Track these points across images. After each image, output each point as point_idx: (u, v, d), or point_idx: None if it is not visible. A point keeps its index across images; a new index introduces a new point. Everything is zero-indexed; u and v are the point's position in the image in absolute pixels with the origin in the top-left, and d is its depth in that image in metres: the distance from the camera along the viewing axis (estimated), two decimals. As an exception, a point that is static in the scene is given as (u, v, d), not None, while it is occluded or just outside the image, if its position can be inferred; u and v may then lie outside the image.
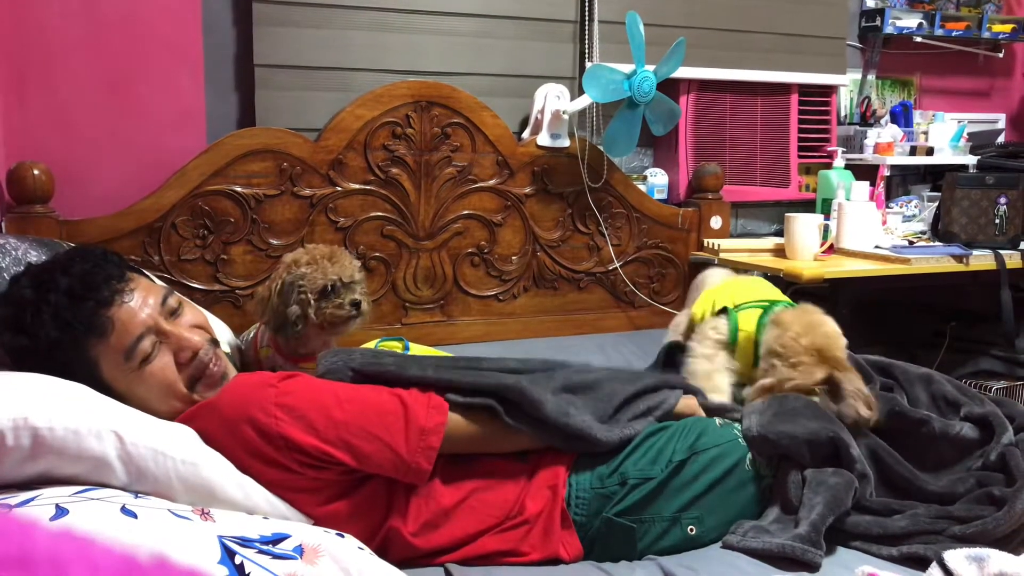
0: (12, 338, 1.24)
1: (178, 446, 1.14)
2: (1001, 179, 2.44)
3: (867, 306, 2.84)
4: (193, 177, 2.10)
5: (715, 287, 1.90)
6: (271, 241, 2.19)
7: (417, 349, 2.15)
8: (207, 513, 1.08)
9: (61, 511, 0.98)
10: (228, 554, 0.99)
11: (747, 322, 1.67)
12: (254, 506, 1.17)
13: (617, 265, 2.52)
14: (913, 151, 2.80)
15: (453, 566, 1.24)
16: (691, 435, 1.37)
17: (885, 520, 1.29)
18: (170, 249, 2.10)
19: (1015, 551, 1.25)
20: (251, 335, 1.78)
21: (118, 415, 1.13)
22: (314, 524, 1.22)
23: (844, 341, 1.56)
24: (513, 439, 1.33)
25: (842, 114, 2.97)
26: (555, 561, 1.26)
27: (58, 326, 1.22)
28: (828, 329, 1.55)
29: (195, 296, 2.12)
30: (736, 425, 1.42)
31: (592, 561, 1.28)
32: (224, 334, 1.73)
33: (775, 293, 1.79)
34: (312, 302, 1.54)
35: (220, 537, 1.02)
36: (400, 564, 1.25)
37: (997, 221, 2.44)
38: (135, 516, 1.00)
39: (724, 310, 1.73)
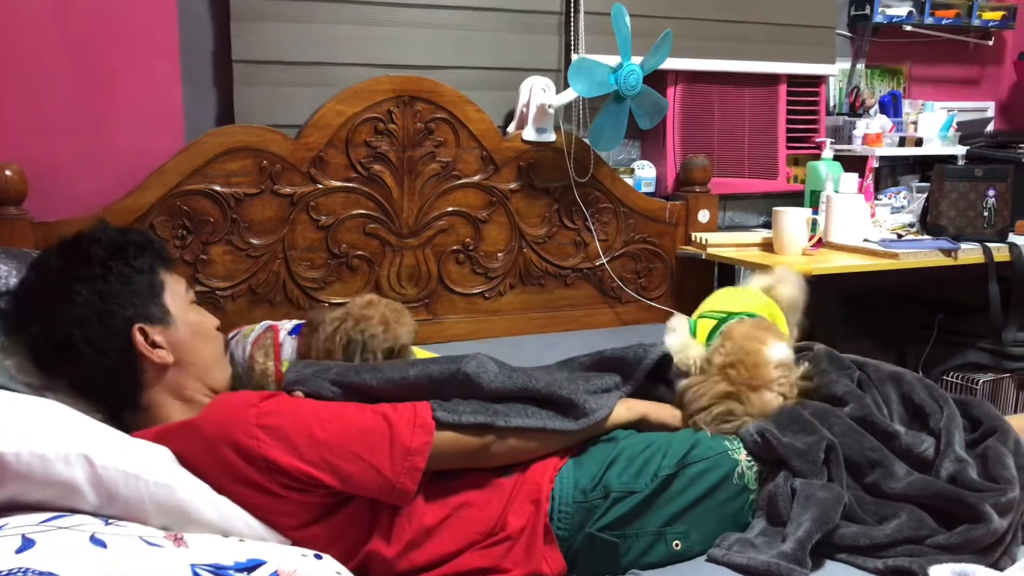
0: (105, 235, 1.35)
1: (151, 467, 1.11)
2: (990, 171, 2.42)
3: (855, 299, 2.83)
4: (171, 177, 2.06)
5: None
6: (251, 241, 2.15)
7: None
8: (180, 539, 1.05)
9: (27, 542, 0.95)
10: (201, 584, 0.97)
11: (702, 331, 1.66)
12: (230, 527, 1.15)
13: (604, 260, 2.49)
14: (902, 142, 2.78)
15: (434, 585, 1.23)
16: (682, 447, 1.35)
17: (871, 530, 1.27)
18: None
19: (999, 563, 1.25)
20: (250, 339, 1.70)
21: (88, 437, 1.11)
22: (293, 545, 1.20)
23: (774, 361, 1.49)
24: (500, 454, 1.30)
25: (831, 104, 2.94)
26: (537, 577, 1.25)
27: (143, 242, 1.39)
28: (754, 348, 1.50)
29: (175, 297, 2.09)
30: (729, 437, 1.40)
31: (574, 576, 1.26)
32: None
33: (758, 303, 1.76)
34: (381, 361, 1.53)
35: (193, 566, 0.99)
36: (380, 582, 1.24)
37: (986, 214, 2.43)
38: (104, 546, 0.98)
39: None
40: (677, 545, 1.29)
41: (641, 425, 1.42)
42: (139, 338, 1.30)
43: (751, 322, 1.60)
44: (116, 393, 1.29)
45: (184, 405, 1.32)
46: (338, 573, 1.09)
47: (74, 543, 0.97)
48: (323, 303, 2.20)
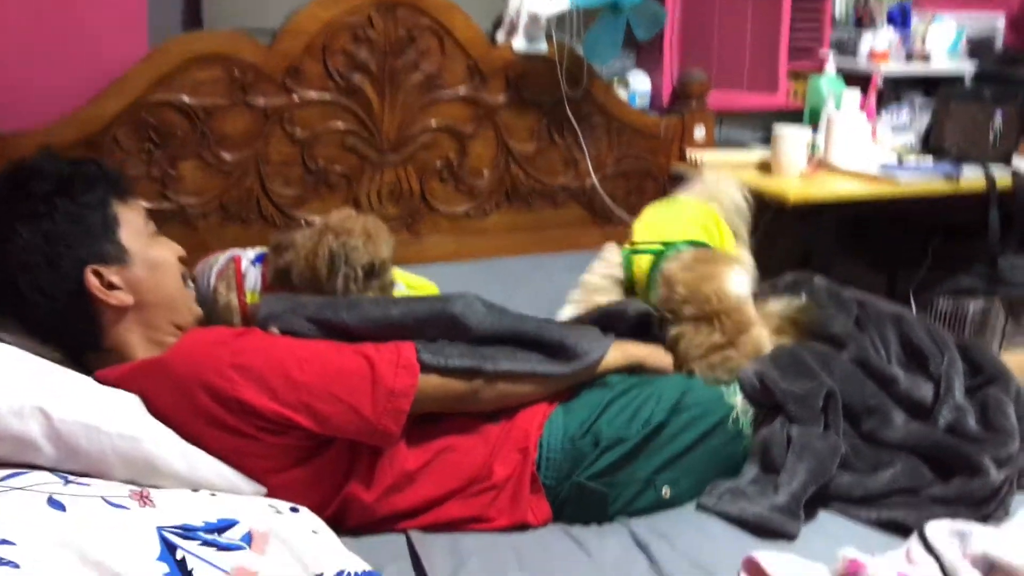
0: (50, 166, 1.23)
1: (114, 418, 1.04)
2: (999, 92, 2.32)
3: (848, 220, 2.75)
4: (135, 86, 1.92)
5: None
6: (222, 155, 2.03)
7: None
8: (146, 496, 0.99)
9: (-20, 505, 0.89)
10: (168, 548, 0.92)
11: (639, 268, 1.57)
12: (201, 479, 1.09)
13: (594, 179, 2.39)
14: (909, 58, 2.65)
15: (415, 533, 1.18)
16: (675, 392, 1.29)
17: (866, 479, 1.24)
18: (112, 164, 1.92)
19: (994, 515, 1.22)
20: (214, 271, 1.61)
21: (43, 387, 1.03)
22: (268, 493, 1.15)
23: (736, 293, 1.43)
24: (488, 399, 1.24)
25: (837, 16, 2.78)
26: (522, 527, 1.21)
27: (93, 173, 1.25)
28: (715, 288, 1.42)
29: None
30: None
31: (561, 524, 1.22)
32: None
33: (694, 221, 1.66)
34: (359, 280, 1.43)
35: (160, 529, 0.94)
36: (358, 528, 1.20)
37: (991, 136, 2.33)
38: (63, 509, 0.92)
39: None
40: (667, 492, 1.25)
41: (636, 371, 1.36)
42: (93, 281, 1.19)
43: (691, 258, 1.49)
44: (72, 338, 1.20)
45: (150, 344, 1.24)
46: (315, 532, 1.04)
47: (30, 506, 0.91)
48: (299, 221, 2.11)
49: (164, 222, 1.99)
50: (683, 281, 1.42)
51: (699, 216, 1.67)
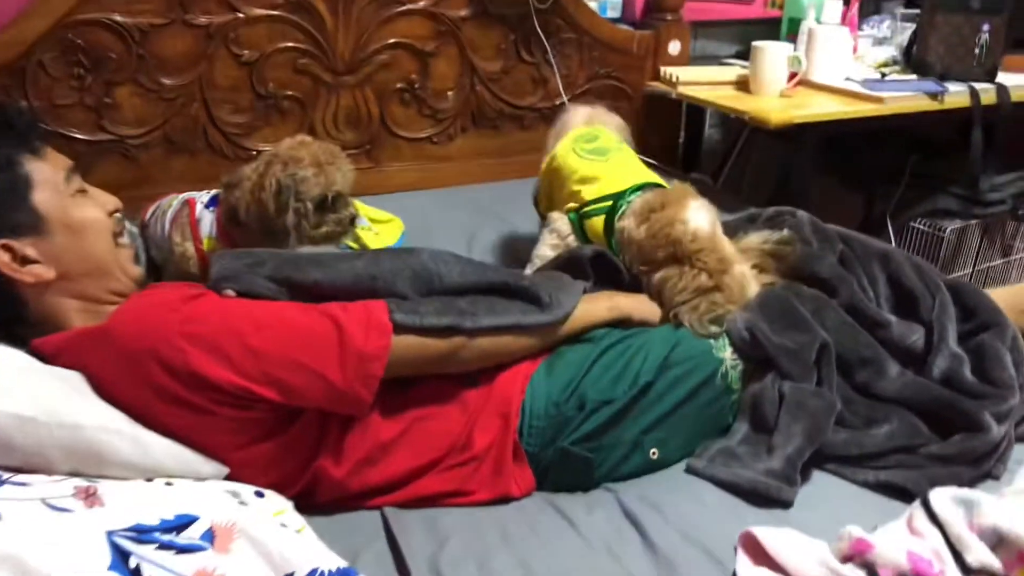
0: None
1: (52, 405, 0.93)
2: (987, 4, 2.20)
3: (824, 137, 2.66)
4: (60, 3, 1.73)
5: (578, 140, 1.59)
6: (163, 80, 1.86)
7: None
8: (92, 494, 0.90)
9: (-97, 517, 0.79)
10: (121, 556, 0.83)
11: (594, 232, 1.44)
12: (155, 464, 0.99)
13: (565, 99, 2.25)
14: (893, -36, 2.51)
15: (391, 510, 1.11)
16: (663, 347, 1.21)
17: (862, 437, 1.19)
18: (39, 93, 1.76)
19: (993, 471, 1.19)
20: (168, 217, 1.48)
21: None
22: (230, 472, 1.06)
23: (704, 230, 1.31)
24: (469, 359, 1.15)
25: (819, -83, 2.62)
26: (505, 499, 1.14)
27: (3, 123, 1.09)
28: (681, 232, 1.30)
29: (77, 147, 1.83)
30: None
31: (544, 493, 1.16)
32: None
33: (614, 143, 1.55)
34: (311, 214, 1.30)
35: (110, 534, 0.85)
36: (330, 504, 1.12)
37: (977, 51, 2.23)
38: (-1, 516, 0.82)
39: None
40: (655, 454, 1.19)
41: (623, 324, 1.27)
42: (3, 257, 1.05)
43: (642, 207, 1.35)
44: None
45: (87, 315, 1.11)
46: (283, 525, 0.96)
47: (-39, 515, 0.81)
48: (250, 151, 1.96)
49: (102, 155, 1.85)
50: (644, 236, 1.32)
51: (611, 139, 1.56)
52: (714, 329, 1.25)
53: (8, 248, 1.05)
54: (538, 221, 1.67)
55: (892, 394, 1.22)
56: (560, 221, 1.48)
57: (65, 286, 1.09)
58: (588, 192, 1.45)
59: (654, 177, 1.47)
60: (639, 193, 1.40)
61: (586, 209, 1.44)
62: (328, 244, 1.39)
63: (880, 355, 1.26)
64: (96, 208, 1.15)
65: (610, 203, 1.40)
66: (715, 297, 1.28)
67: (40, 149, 1.11)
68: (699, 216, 1.33)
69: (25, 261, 1.06)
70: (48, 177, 1.09)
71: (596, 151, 1.52)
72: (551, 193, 1.60)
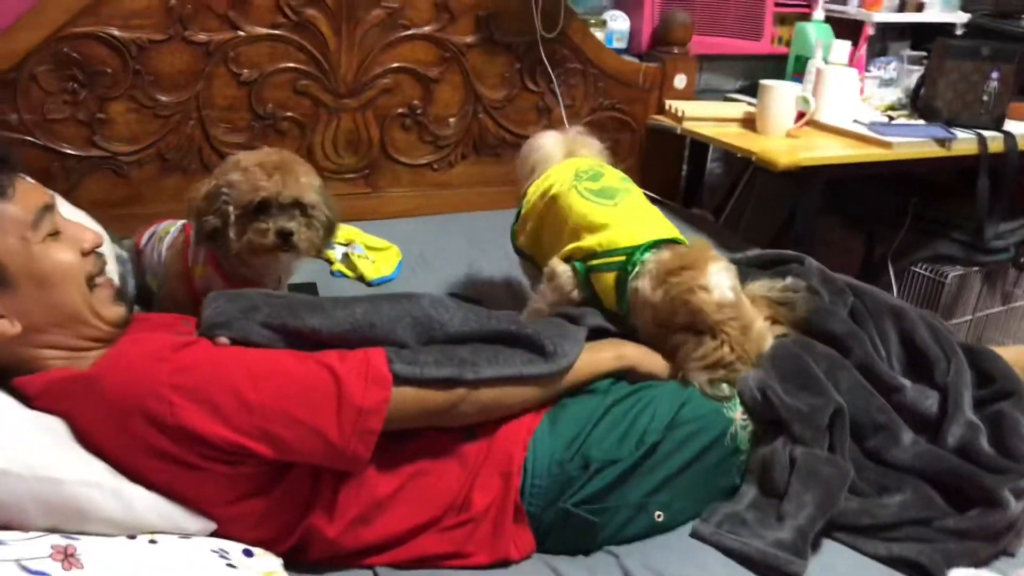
0: None
1: (29, 459, 0.88)
2: (997, 51, 2.19)
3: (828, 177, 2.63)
4: (55, 15, 1.68)
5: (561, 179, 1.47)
6: (158, 97, 1.81)
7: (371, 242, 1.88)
8: (71, 555, 0.84)
9: None
10: (99, 629, 0.77)
11: (605, 288, 1.34)
12: (138, 521, 0.94)
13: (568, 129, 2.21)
14: (902, 6, 2.50)
15: (384, 570, 1.06)
16: (671, 405, 1.17)
17: (873, 507, 1.15)
18: (31, 106, 1.71)
19: (1010, 545, 1.15)
20: (165, 241, 1.42)
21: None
22: (218, 527, 1.00)
23: (728, 299, 1.23)
24: (470, 413, 1.10)
25: (829, -44, 2.61)
26: (504, 563, 1.09)
27: None
28: (702, 300, 1.22)
29: (68, 163, 1.77)
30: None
31: (544, 556, 1.11)
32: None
33: (617, 179, 1.45)
34: (233, 219, 1.24)
35: (88, 602, 0.79)
36: (321, 563, 1.07)
37: (985, 98, 2.22)
38: (-31, 583, 0.77)
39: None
40: (659, 516, 1.14)
41: (629, 375, 1.23)
42: None
43: (659, 269, 1.26)
44: None
45: (63, 360, 1.05)
46: (274, 590, 0.91)
47: (-72, 580, 0.76)
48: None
49: (92, 171, 1.80)
50: (660, 300, 1.24)
51: (615, 176, 1.46)
52: (727, 393, 1.20)
53: None
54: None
55: (906, 463, 1.18)
56: (564, 275, 1.37)
57: (33, 338, 1.01)
58: (595, 241, 1.35)
59: (667, 226, 1.39)
60: (654, 250, 1.31)
61: (595, 262, 1.34)
62: (257, 255, 1.27)
63: (894, 421, 1.22)
64: (69, 251, 1.04)
65: (622, 258, 1.31)
66: (734, 366, 1.23)
67: (7, 190, 0.99)
68: (721, 281, 1.24)
69: None
70: (13, 224, 0.99)
71: (602, 193, 1.41)
72: (539, 233, 1.49)
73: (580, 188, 1.43)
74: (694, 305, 1.21)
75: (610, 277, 1.31)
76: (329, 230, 1.33)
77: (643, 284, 1.26)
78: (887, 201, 2.60)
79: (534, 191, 1.51)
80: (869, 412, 1.22)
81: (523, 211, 1.53)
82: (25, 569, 0.80)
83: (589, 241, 1.36)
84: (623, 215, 1.38)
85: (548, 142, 1.59)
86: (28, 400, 1.00)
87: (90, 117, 1.76)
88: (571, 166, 1.50)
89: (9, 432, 0.90)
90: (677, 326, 1.23)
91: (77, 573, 0.83)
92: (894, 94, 2.44)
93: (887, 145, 2.04)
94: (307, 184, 1.27)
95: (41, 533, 0.88)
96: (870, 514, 1.14)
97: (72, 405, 0.98)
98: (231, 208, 1.23)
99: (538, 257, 1.51)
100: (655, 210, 1.44)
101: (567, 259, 1.41)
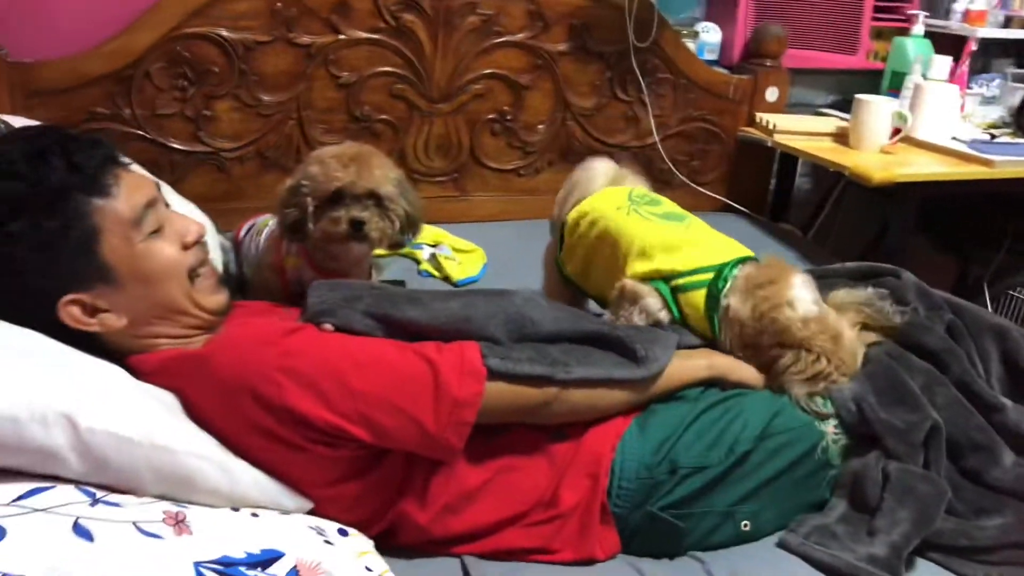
0: (4, 184, 0.98)
1: (148, 428, 0.92)
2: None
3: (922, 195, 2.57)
4: (169, 16, 1.76)
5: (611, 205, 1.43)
6: (261, 96, 1.88)
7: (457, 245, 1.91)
8: (182, 521, 0.88)
9: (-4, 532, 0.78)
10: (207, 591, 0.81)
11: (693, 308, 1.29)
12: (242, 495, 0.98)
13: (656, 139, 2.22)
14: (1008, 22, 2.42)
15: (471, 559, 1.07)
16: (763, 415, 1.16)
17: (970, 528, 1.12)
18: (143, 102, 1.79)
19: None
20: (263, 234, 1.46)
21: (71, 389, 0.91)
22: (314, 507, 1.03)
23: (814, 311, 1.23)
24: (560, 413, 1.11)
25: (930, -30, 2.55)
26: (589, 561, 1.09)
27: (62, 183, 0.99)
28: (786, 317, 1.22)
29: (174, 157, 1.85)
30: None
31: (629, 557, 1.11)
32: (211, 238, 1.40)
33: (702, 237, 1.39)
34: (311, 209, 1.27)
35: (197, 565, 0.83)
36: (410, 548, 1.09)
37: (1094, 118, 2.14)
38: (90, 538, 0.81)
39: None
40: (746, 526, 1.13)
41: (719, 383, 1.22)
42: (70, 314, 1.01)
43: (747, 284, 1.25)
44: (76, 346, 1.02)
45: (171, 344, 1.10)
46: (368, 569, 0.93)
47: (53, 534, 0.80)
48: (341, 172, 1.96)
49: (196, 165, 1.88)
50: (748, 314, 1.23)
51: (673, 203, 1.44)
52: (826, 411, 1.18)
53: (78, 302, 1.02)
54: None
55: (1007, 485, 1.14)
56: (649, 297, 1.31)
57: (140, 329, 1.06)
58: (671, 261, 1.31)
59: (743, 247, 1.36)
60: (741, 266, 1.29)
61: (681, 281, 1.30)
62: (332, 244, 1.28)
63: (994, 441, 1.18)
64: (171, 246, 1.08)
65: (712, 275, 1.28)
66: (832, 377, 1.21)
67: (111, 188, 1.03)
68: (804, 295, 1.23)
69: (96, 311, 1.03)
70: (117, 224, 1.02)
71: (670, 216, 1.39)
72: (591, 257, 1.44)
73: (641, 211, 1.39)
74: (780, 324, 1.20)
75: (700, 295, 1.28)
76: (409, 224, 1.33)
77: (734, 301, 1.24)
78: (983, 222, 2.52)
79: (576, 218, 1.47)
80: (967, 431, 1.19)
81: (568, 240, 1.48)
82: (141, 531, 0.84)
83: (669, 261, 1.32)
84: (698, 236, 1.35)
85: (595, 171, 1.55)
86: (141, 376, 1.04)
87: (196, 114, 1.84)
88: (617, 193, 1.46)
89: (130, 403, 0.94)
90: (765, 347, 1.22)
91: (187, 538, 0.86)
92: (996, 112, 2.36)
93: (988, 163, 1.98)
94: (382, 176, 1.27)
95: (152, 499, 0.92)
96: (967, 535, 1.11)
97: (184, 382, 1.03)
98: (309, 199, 1.26)
99: (588, 286, 1.48)
100: (720, 234, 1.40)
101: (643, 281, 1.35)
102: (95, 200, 1.01)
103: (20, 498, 0.83)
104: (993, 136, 2.19)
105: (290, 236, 1.31)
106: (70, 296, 1.01)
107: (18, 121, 1.40)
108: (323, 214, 1.26)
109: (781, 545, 1.12)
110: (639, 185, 1.54)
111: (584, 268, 1.47)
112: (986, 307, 2.34)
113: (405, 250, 1.85)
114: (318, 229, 1.26)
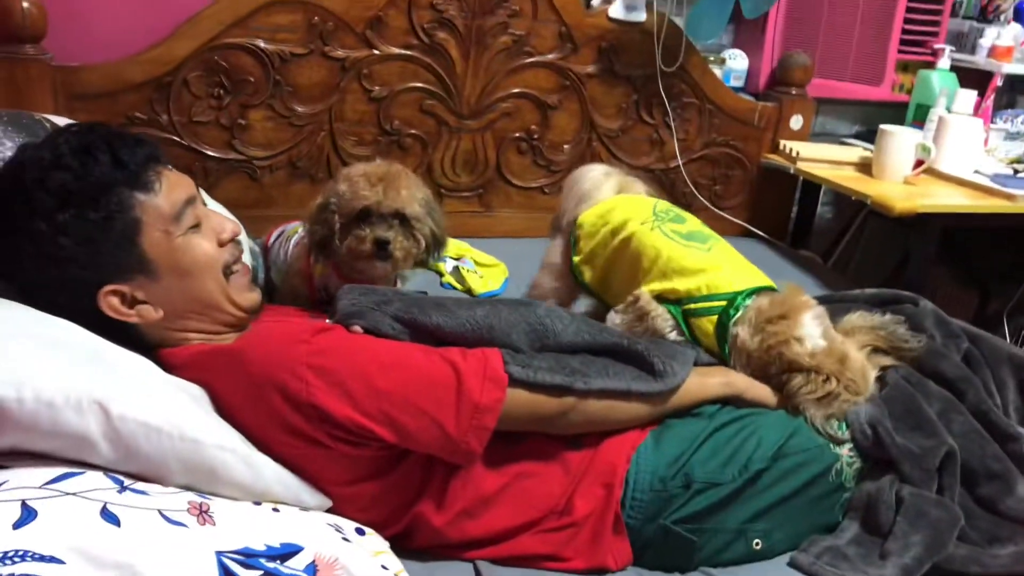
0: (53, 175, 1.02)
1: (177, 419, 0.95)
2: None
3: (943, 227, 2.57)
4: (208, 26, 1.81)
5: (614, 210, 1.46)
6: (295, 107, 1.92)
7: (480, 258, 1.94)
8: (205, 511, 0.91)
9: (28, 513, 0.81)
10: (228, 579, 0.83)
11: (704, 333, 1.31)
12: (264, 489, 1.00)
13: (680, 162, 2.24)
14: (1033, 59, 2.44)
15: (484, 564, 1.09)
16: (778, 434, 1.17)
17: (982, 555, 1.12)
18: (181, 108, 1.84)
19: None
20: (292, 241, 1.50)
21: (104, 377, 0.94)
22: (333, 505, 1.06)
23: (822, 344, 1.23)
24: (577, 422, 1.13)
25: (958, 5, 2.57)
26: (600, 571, 1.11)
27: (107, 176, 1.04)
28: (795, 352, 1.23)
29: (207, 163, 1.89)
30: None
31: (640, 569, 1.12)
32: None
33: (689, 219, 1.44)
34: (338, 227, 1.30)
35: (219, 554, 0.85)
36: (425, 550, 1.11)
37: (1118, 156, 2.14)
38: (117, 524, 0.83)
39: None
40: (758, 544, 1.14)
41: (735, 401, 1.23)
42: (112, 302, 1.05)
43: (758, 318, 1.26)
44: (111, 337, 1.05)
45: (203, 339, 1.13)
46: (384, 568, 0.95)
47: (82, 518, 0.82)
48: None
49: (229, 173, 1.92)
50: (757, 347, 1.25)
51: (696, 221, 1.45)
52: (841, 435, 1.19)
53: (117, 293, 1.06)
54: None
55: (1021, 514, 1.15)
56: (660, 317, 1.32)
57: (175, 322, 1.10)
58: (692, 285, 1.32)
59: (760, 273, 1.37)
60: (753, 297, 1.30)
61: (694, 306, 1.31)
62: (358, 260, 1.29)
63: (1009, 470, 1.19)
64: (208, 242, 1.12)
65: (723, 303, 1.29)
66: (843, 396, 1.22)
67: (153, 184, 1.07)
68: (813, 331, 1.24)
69: (134, 302, 1.07)
70: (158, 218, 1.07)
71: (693, 236, 1.39)
72: (611, 266, 1.45)
73: (665, 229, 1.40)
74: (788, 357, 1.22)
75: (710, 322, 1.30)
76: (435, 244, 1.34)
77: (742, 331, 1.26)
78: (1003, 256, 2.52)
79: (594, 223, 1.48)
80: (983, 459, 1.19)
81: (585, 245, 1.49)
82: (166, 518, 0.87)
83: (685, 285, 1.33)
84: (718, 261, 1.35)
85: (596, 177, 1.56)
86: (171, 370, 1.08)
87: (231, 122, 1.88)
88: (642, 205, 1.47)
89: (161, 394, 0.97)
90: (771, 376, 1.24)
91: (210, 528, 0.88)
92: (1020, 147, 2.37)
93: (1011, 198, 1.99)
94: (408, 196, 1.28)
95: (177, 489, 0.94)
96: (979, 563, 1.11)
97: (213, 376, 1.06)
98: (336, 217, 1.28)
99: (607, 296, 1.48)
100: (743, 258, 1.41)
101: (657, 298, 1.36)
102: (138, 195, 1.06)
103: (52, 482, 0.86)
104: (1016, 171, 2.20)
105: (318, 252, 1.34)
106: (110, 286, 1.05)
107: (61, 122, 1.44)
108: (349, 232, 1.28)
109: (792, 565, 1.13)
110: (643, 192, 1.57)
111: (604, 277, 1.48)
112: (1006, 340, 2.34)
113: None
114: (344, 247, 1.28)
